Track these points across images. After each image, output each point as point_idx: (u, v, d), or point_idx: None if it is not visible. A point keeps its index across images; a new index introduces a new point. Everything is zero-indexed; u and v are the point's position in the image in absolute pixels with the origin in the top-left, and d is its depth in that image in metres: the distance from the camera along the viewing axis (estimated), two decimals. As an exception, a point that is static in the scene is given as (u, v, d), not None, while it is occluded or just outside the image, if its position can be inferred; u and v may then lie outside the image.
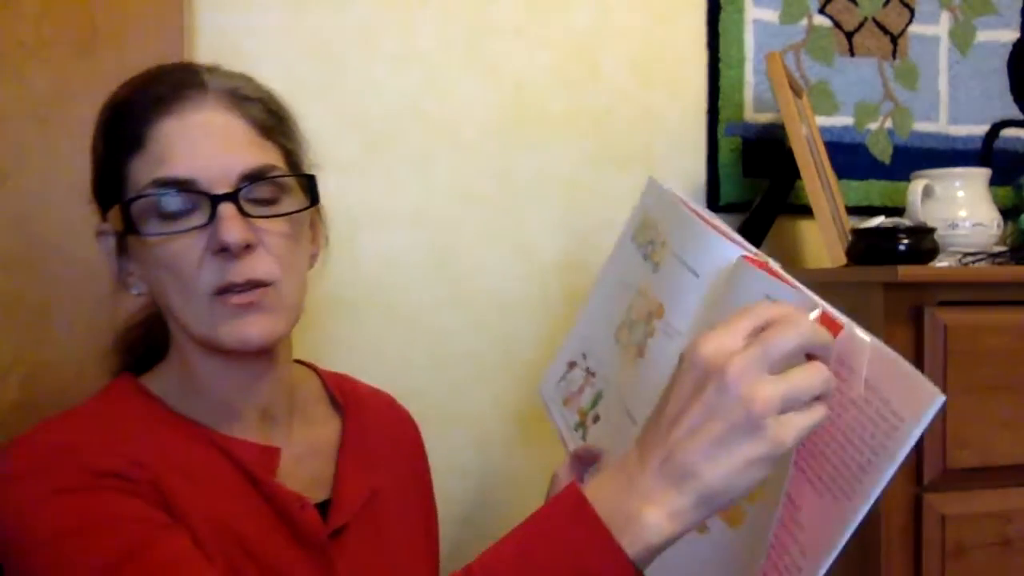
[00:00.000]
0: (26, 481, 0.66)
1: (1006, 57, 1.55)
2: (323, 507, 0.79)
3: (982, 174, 1.32)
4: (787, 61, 1.41)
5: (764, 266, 0.64)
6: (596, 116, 1.35)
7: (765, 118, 1.43)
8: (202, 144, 0.71)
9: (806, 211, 1.32)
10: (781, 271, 0.63)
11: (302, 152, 0.81)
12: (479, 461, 1.25)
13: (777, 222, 1.39)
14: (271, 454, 0.78)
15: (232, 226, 0.69)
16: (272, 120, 0.76)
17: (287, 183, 0.75)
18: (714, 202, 1.41)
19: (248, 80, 0.77)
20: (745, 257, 0.67)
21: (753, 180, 1.41)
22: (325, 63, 1.21)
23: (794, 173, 1.25)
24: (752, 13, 1.42)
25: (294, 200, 0.75)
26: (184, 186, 0.70)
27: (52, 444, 0.68)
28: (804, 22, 1.45)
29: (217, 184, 0.70)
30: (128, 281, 0.77)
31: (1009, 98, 1.55)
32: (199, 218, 0.70)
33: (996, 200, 1.34)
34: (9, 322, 0.99)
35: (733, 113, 1.41)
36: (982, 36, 1.53)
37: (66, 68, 1.02)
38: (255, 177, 0.72)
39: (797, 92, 1.32)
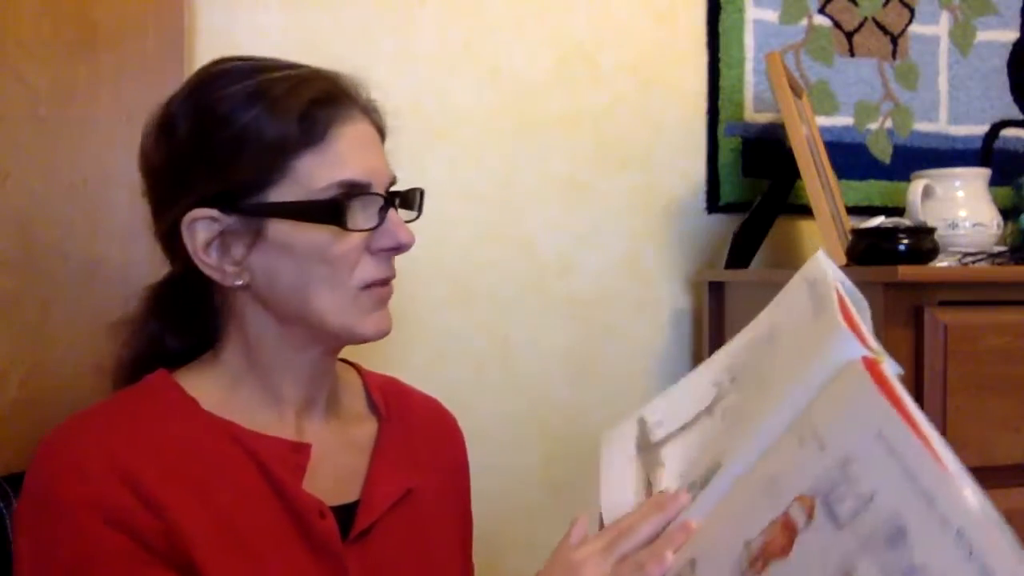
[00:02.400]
0: (39, 502, 0.70)
1: (1006, 57, 1.55)
2: (353, 507, 0.80)
3: (982, 174, 1.32)
4: (787, 61, 1.41)
5: (875, 367, 0.57)
6: (596, 116, 1.35)
7: (765, 118, 1.43)
8: (370, 151, 0.78)
9: (806, 211, 1.32)
10: (894, 380, 0.56)
11: None
12: (477, 459, 1.25)
13: (777, 222, 1.39)
14: (302, 451, 0.79)
15: (407, 228, 0.78)
16: (385, 128, 0.84)
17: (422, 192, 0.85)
18: (714, 202, 1.41)
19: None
20: (863, 359, 0.59)
21: (753, 180, 1.42)
22: (325, 63, 1.21)
23: (794, 173, 1.25)
24: (752, 13, 1.42)
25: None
26: (364, 189, 0.76)
27: (73, 461, 0.70)
28: (804, 22, 1.45)
29: (381, 189, 0.78)
30: (230, 271, 0.76)
31: (1009, 98, 1.55)
32: (370, 220, 0.76)
33: (996, 200, 1.34)
34: (9, 322, 0.99)
35: (733, 113, 1.41)
36: (982, 36, 1.53)
37: (66, 68, 1.02)
38: (393, 183, 0.81)
39: (797, 92, 1.32)
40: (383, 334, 0.81)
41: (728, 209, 1.41)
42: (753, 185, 1.41)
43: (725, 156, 1.41)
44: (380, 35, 1.25)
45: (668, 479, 0.73)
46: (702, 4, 1.40)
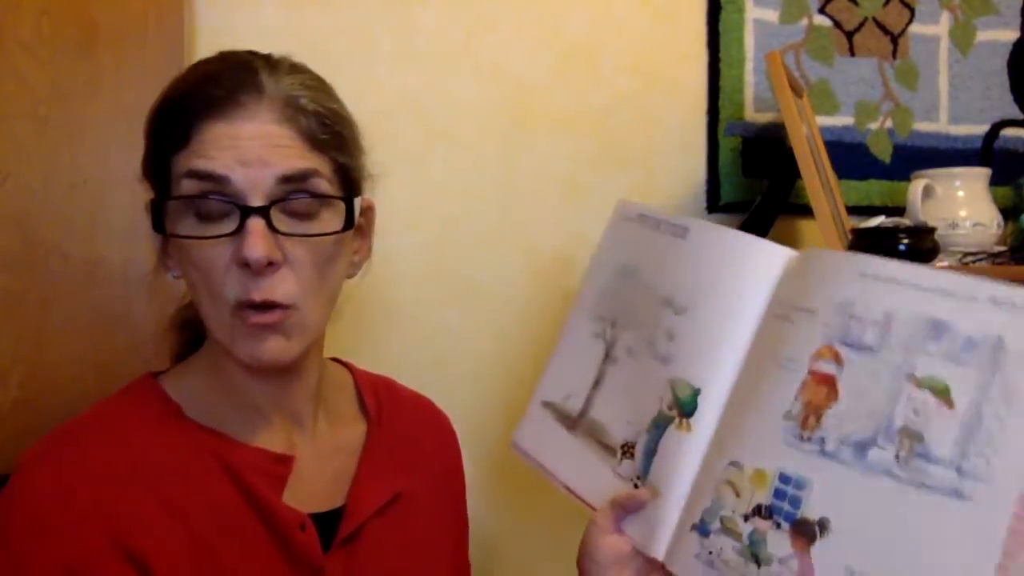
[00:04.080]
0: (8, 547, 0.67)
1: (1006, 57, 1.55)
2: (339, 512, 0.79)
3: (982, 174, 1.32)
4: (787, 61, 1.41)
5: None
6: (596, 116, 1.35)
7: (765, 118, 1.43)
8: (245, 149, 0.69)
9: (806, 211, 1.32)
10: None
11: (356, 164, 0.79)
12: (476, 459, 1.25)
13: (777, 222, 1.39)
14: (284, 463, 0.77)
15: (256, 242, 0.68)
16: (325, 133, 0.74)
17: (329, 197, 0.73)
18: (714, 202, 1.41)
19: (311, 88, 0.75)
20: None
21: (753, 180, 1.41)
22: (325, 63, 1.20)
23: (794, 173, 1.25)
24: (752, 13, 1.42)
25: (335, 216, 0.74)
26: (217, 182, 0.69)
27: (44, 497, 0.67)
28: (804, 22, 1.45)
29: (252, 190, 0.69)
30: (167, 264, 0.77)
31: (1009, 98, 1.55)
32: (229, 225, 0.69)
33: (996, 200, 1.34)
34: (9, 322, 0.99)
35: (733, 113, 1.41)
36: (982, 36, 1.53)
37: (66, 68, 1.02)
38: (292, 180, 0.70)
39: (797, 92, 1.32)
40: (256, 363, 0.72)
41: (728, 209, 1.41)
42: (753, 185, 1.41)
43: (725, 156, 1.41)
44: (380, 35, 1.25)
45: (616, 432, 0.80)
46: (702, 4, 1.40)
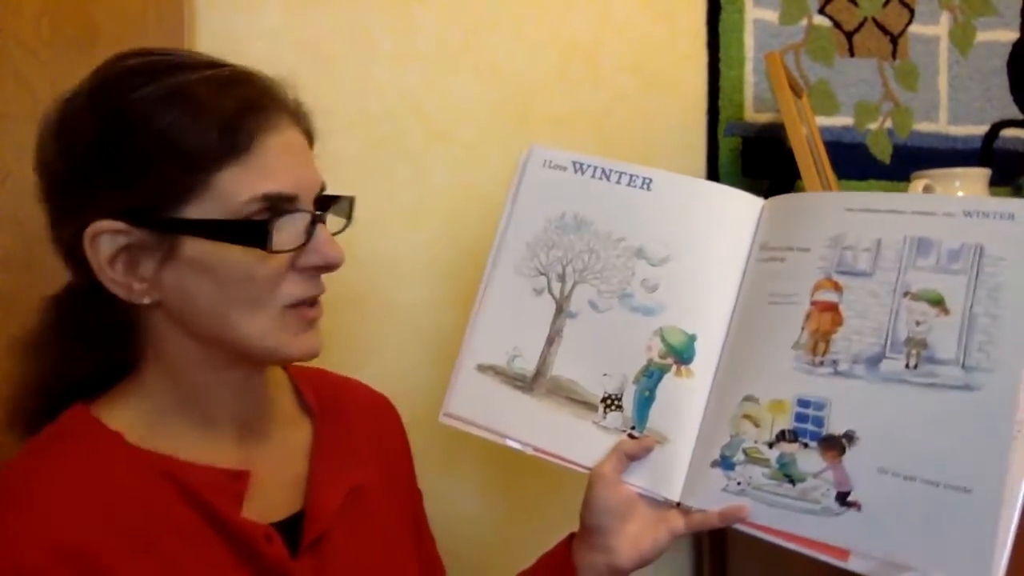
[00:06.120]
0: None
1: (1006, 57, 1.55)
2: (300, 516, 0.77)
3: (982, 174, 1.32)
4: (787, 61, 1.41)
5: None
6: (596, 116, 1.35)
7: (765, 118, 1.43)
8: (298, 160, 0.73)
9: (806, 211, 1.32)
10: None
11: None
12: (477, 456, 1.25)
13: (777, 222, 1.39)
14: (240, 478, 0.74)
15: (336, 245, 0.73)
16: (313, 136, 0.79)
17: (341, 198, 0.80)
18: (714, 202, 1.41)
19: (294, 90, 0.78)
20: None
21: (753, 180, 1.41)
22: (324, 62, 1.21)
23: (794, 173, 1.25)
24: (752, 13, 1.42)
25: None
26: (290, 202, 0.71)
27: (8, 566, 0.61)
28: (804, 22, 1.45)
29: (309, 200, 0.73)
30: (137, 288, 0.69)
31: (1009, 98, 1.55)
32: (297, 236, 0.71)
33: (996, 200, 1.34)
34: (9, 321, 0.99)
35: (733, 113, 1.41)
36: (982, 36, 1.53)
37: (66, 68, 1.02)
38: (322, 187, 0.76)
39: (797, 92, 1.32)
40: (311, 356, 0.75)
41: (728, 209, 1.40)
42: (753, 185, 1.41)
43: (725, 156, 1.41)
44: (380, 35, 1.25)
45: (590, 386, 0.81)
46: (702, 4, 1.40)
